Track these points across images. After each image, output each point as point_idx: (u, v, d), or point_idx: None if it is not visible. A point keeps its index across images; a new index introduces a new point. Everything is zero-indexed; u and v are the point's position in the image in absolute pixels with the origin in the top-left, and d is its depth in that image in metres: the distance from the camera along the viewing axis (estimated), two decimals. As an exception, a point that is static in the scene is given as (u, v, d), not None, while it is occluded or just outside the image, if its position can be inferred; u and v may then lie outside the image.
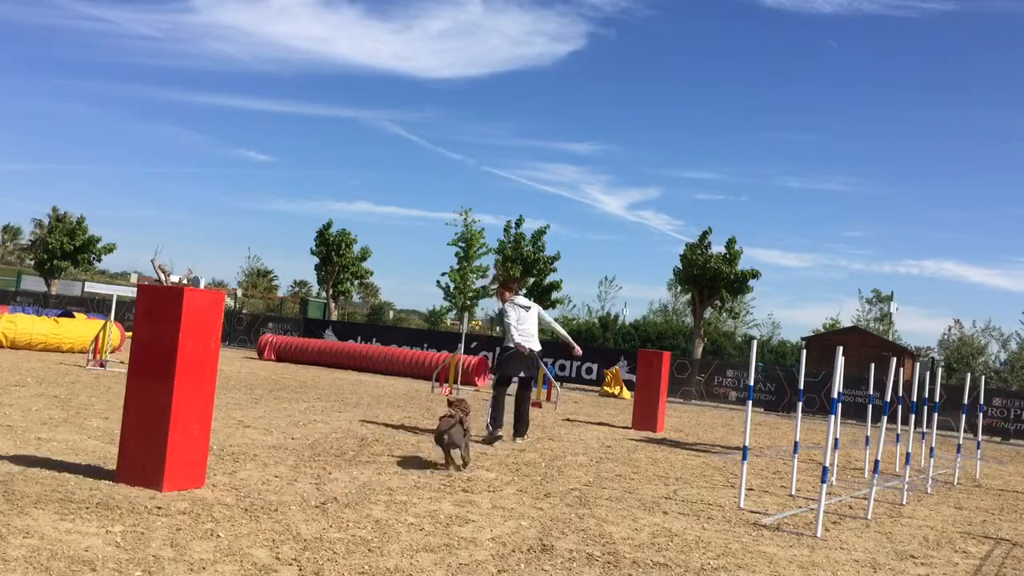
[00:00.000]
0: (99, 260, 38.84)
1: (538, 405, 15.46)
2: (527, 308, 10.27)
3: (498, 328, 10.68)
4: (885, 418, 8.02)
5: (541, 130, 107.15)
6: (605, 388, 21.19)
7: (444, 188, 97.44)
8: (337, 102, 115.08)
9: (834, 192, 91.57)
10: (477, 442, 9.18)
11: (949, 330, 45.35)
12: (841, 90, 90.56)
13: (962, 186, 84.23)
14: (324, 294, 34.65)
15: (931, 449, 10.13)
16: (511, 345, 9.93)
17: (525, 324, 10.09)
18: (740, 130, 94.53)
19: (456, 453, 7.37)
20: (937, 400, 10.47)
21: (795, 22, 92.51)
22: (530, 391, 10.22)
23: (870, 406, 9.65)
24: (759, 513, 6.90)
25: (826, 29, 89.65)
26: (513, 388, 10.26)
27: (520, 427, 10.04)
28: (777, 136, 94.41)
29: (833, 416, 6.84)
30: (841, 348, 6.94)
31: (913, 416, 10.10)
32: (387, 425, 10.36)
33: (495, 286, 10.52)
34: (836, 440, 8.68)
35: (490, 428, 9.71)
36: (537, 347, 10.16)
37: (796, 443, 7.71)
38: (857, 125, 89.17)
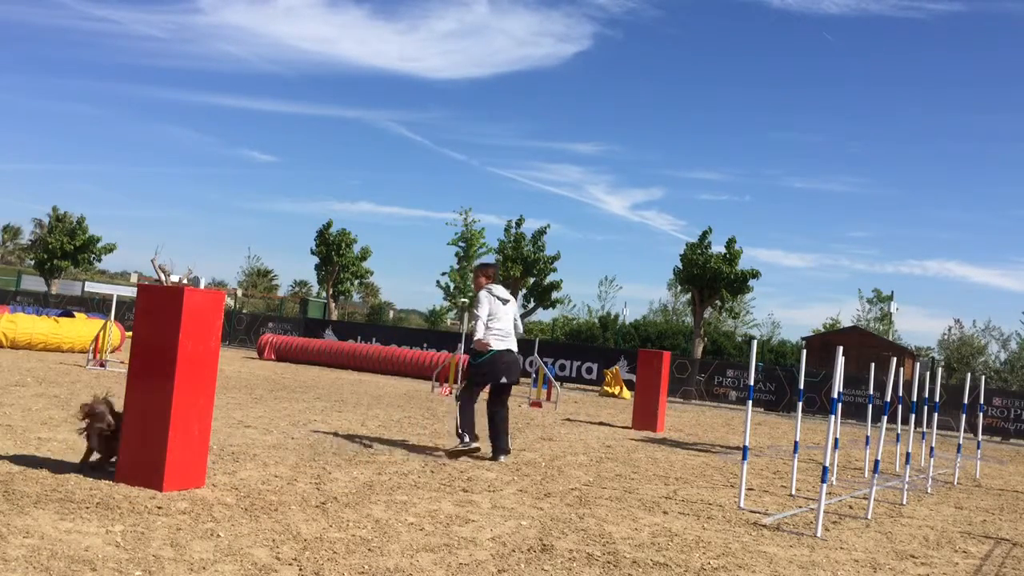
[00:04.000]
0: (99, 260, 38.87)
1: (538, 405, 15.47)
2: (505, 301, 8.52)
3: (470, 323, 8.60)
4: (885, 418, 8.02)
5: (545, 131, 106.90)
6: (605, 388, 21.19)
7: (447, 188, 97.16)
8: (341, 102, 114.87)
9: (838, 192, 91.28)
10: (446, 454, 8.24)
11: (949, 330, 45.26)
12: (845, 90, 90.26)
13: (965, 186, 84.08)
14: (324, 294, 34.66)
15: (931, 449, 10.13)
16: (492, 349, 8.30)
17: (502, 322, 8.40)
18: (744, 130, 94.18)
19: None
20: (937, 400, 10.48)
21: (801, 23, 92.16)
22: (506, 403, 8.58)
23: (870, 406, 9.64)
24: (759, 513, 6.90)
25: (832, 30, 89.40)
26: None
27: (504, 442, 8.37)
28: (781, 136, 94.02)
29: (833, 416, 6.84)
30: (841, 348, 6.94)
31: (913, 416, 10.10)
32: (387, 425, 10.36)
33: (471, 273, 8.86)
34: (836, 440, 8.68)
35: (464, 438, 8.17)
36: (515, 348, 8.54)
37: (796, 443, 7.71)
38: (861, 126, 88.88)
